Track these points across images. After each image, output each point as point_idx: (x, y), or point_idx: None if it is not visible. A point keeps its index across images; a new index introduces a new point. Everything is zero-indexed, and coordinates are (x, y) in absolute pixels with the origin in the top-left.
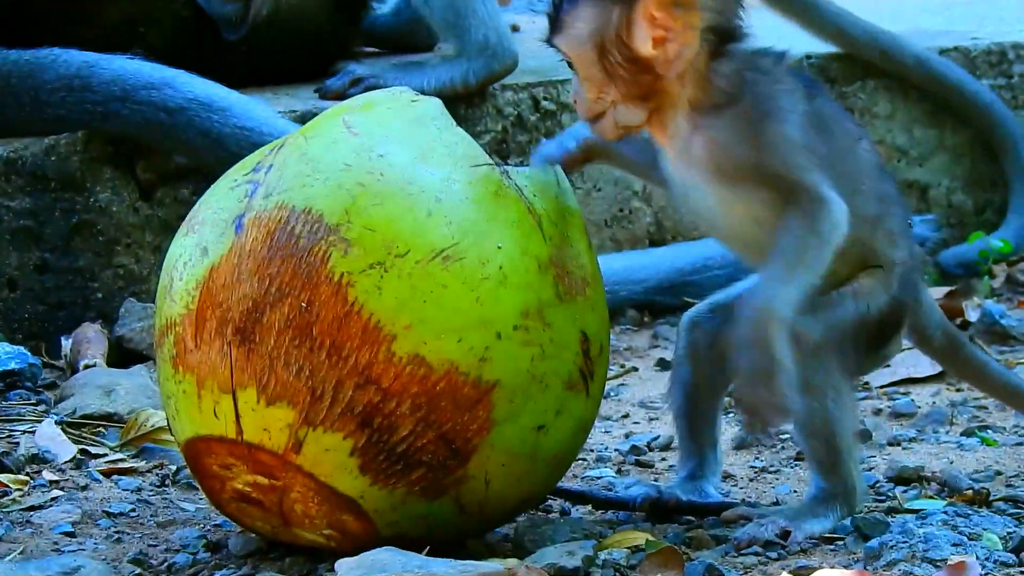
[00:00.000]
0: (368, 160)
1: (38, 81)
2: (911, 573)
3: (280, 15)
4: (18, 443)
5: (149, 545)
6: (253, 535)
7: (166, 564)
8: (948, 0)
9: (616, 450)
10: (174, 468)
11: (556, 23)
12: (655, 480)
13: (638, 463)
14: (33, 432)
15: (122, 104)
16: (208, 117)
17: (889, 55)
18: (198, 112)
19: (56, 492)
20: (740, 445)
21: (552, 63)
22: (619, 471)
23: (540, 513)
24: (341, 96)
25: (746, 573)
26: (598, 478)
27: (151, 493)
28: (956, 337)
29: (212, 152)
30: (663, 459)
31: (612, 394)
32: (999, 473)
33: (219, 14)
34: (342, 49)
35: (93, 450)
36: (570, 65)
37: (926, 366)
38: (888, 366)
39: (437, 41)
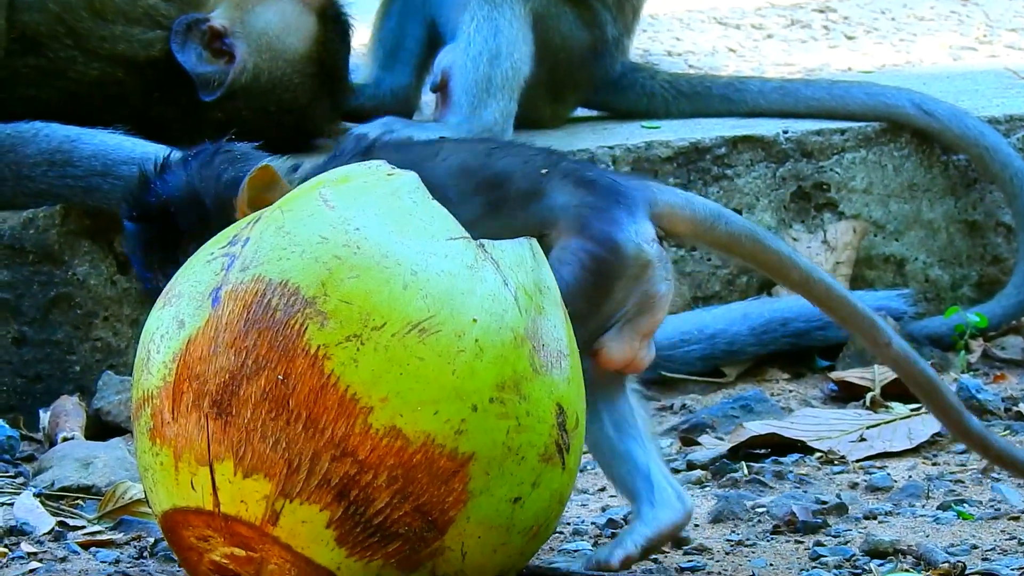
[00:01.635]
0: (344, 233)
1: (19, 155)
2: None
3: (260, 84)
4: None
5: None
6: None
7: None
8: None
9: (593, 523)
10: (152, 540)
11: None
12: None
13: (614, 536)
14: (11, 504)
15: (103, 179)
16: None
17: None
18: None
19: (34, 564)
20: (717, 518)
21: (525, 137)
22: (595, 544)
23: None
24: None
25: None
26: (575, 551)
27: (129, 565)
28: None
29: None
30: None
31: (589, 467)
32: (975, 547)
33: (197, 73)
34: (321, 126)
35: (71, 522)
36: None
37: (902, 440)
38: (864, 439)
39: (413, 113)
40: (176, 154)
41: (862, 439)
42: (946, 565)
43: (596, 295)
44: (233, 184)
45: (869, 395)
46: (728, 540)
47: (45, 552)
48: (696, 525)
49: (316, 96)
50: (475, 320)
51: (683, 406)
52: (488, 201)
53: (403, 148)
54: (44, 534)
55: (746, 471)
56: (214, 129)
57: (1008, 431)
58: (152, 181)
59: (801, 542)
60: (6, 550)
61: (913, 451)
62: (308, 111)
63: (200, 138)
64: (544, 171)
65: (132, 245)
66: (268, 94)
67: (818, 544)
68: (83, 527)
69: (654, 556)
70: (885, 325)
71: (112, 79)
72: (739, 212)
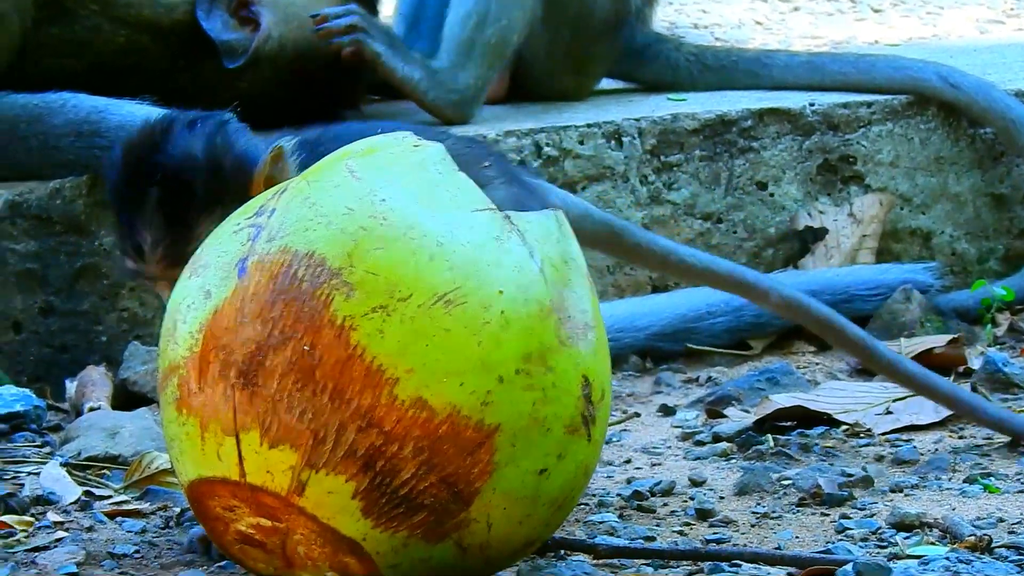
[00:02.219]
0: (370, 204)
1: (47, 125)
2: None
3: (285, 54)
4: (23, 485)
5: None
6: None
7: None
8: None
9: (618, 495)
10: (178, 510)
11: None
12: (657, 525)
13: (640, 508)
14: (38, 474)
15: None
16: None
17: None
18: None
19: (61, 533)
20: (742, 491)
21: (554, 109)
22: (621, 516)
23: (542, 557)
24: (327, 37)
25: None
26: (600, 523)
27: (155, 535)
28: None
29: None
30: (665, 504)
31: (614, 439)
32: (1001, 520)
33: (222, 40)
34: (348, 98)
35: (98, 492)
36: None
37: (929, 413)
38: (890, 412)
39: None
40: (172, 117)
41: (888, 412)
42: (972, 538)
43: None
44: (247, 156)
45: None
46: (754, 512)
47: (71, 522)
48: (721, 498)
49: (341, 67)
50: (501, 292)
51: (709, 378)
52: None
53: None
54: (70, 504)
55: (772, 443)
56: (238, 99)
57: None
58: (161, 142)
59: (827, 515)
60: (32, 519)
61: (940, 424)
62: (334, 83)
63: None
64: (487, 164)
65: (130, 207)
66: (293, 64)
67: (844, 517)
68: (109, 497)
69: (679, 528)
70: (758, 277)
71: (137, 46)
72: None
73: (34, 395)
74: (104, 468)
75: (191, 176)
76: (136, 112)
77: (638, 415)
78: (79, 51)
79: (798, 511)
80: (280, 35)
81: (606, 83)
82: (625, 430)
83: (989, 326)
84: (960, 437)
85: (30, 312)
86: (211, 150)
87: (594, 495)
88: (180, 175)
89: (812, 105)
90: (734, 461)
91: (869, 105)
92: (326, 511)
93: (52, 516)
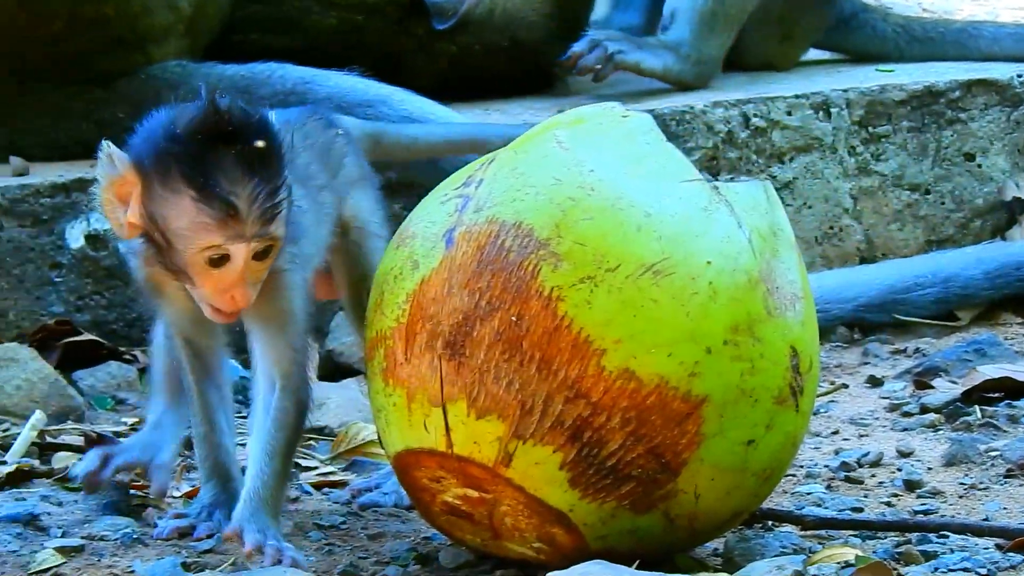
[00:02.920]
0: (579, 175)
1: (255, 96)
2: None
3: (493, 19)
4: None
5: (359, 557)
6: (463, 548)
7: None
8: None
9: (825, 466)
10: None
11: None
12: (865, 496)
13: (847, 479)
14: (243, 445)
15: None
16: None
17: None
18: None
19: None
20: (950, 462)
21: (762, 80)
22: (828, 487)
23: (749, 528)
24: (589, 72)
25: None
26: (808, 494)
27: (361, 506)
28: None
29: (424, 170)
30: (872, 475)
31: (822, 410)
32: None
33: (433, 2)
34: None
35: (304, 463)
36: None
37: None
38: None
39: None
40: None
41: None
42: None
43: None
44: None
45: None
46: (961, 484)
47: None
48: (929, 469)
49: (551, 35)
50: (709, 262)
51: (917, 350)
52: None
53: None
54: None
55: (979, 415)
56: (447, 61)
57: None
58: (222, 109)
59: None
60: None
61: None
62: (542, 50)
63: (434, 71)
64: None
65: (212, 172)
66: (502, 30)
67: None
68: (315, 468)
69: (886, 499)
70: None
71: (351, 25)
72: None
73: (241, 366)
74: (310, 439)
75: (268, 128)
76: (343, 83)
77: (846, 386)
78: (288, 28)
79: (1006, 482)
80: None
81: (812, 54)
82: (833, 401)
83: None
84: None
85: None
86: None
87: (801, 466)
88: (260, 129)
89: (1020, 76)
90: (941, 432)
91: None
92: (533, 482)
93: None
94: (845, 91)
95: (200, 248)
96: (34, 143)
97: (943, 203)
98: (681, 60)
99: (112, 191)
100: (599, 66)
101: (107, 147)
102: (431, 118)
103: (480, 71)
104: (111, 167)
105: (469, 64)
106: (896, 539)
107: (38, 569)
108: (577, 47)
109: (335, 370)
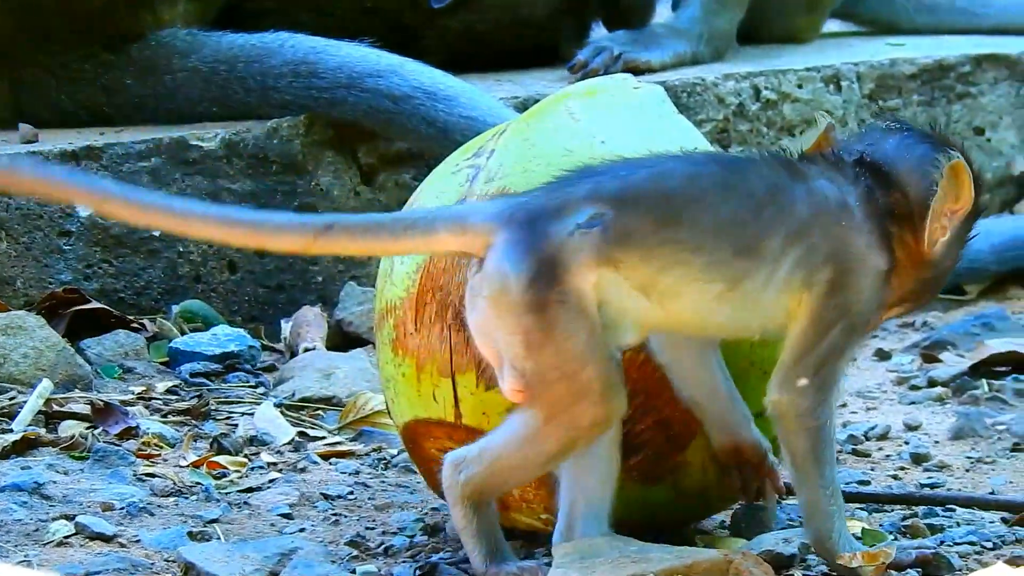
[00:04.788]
0: (590, 147)
1: (265, 66)
2: None
3: None
4: (237, 425)
5: (366, 528)
6: None
7: (383, 547)
8: None
9: None
10: (392, 451)
11: None
12: (872, 469)
13: (855, 452)
14: (252, 414)
15: (348, 91)
16: (433, 106)
17: None
18: (423, 101)
19: (274, 474)
20: (957, 435)
21: (773, 52)
22: (836, 460)
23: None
24: (599, 74)
25: (964, 560)
26: None
27: (369, 476)
28: None
29: (436, 141)
30: (879, 448)
31: None
32: None
33: None
34: (562, 44)
35: (311, 433)
36: None
37: None
38: None
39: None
40: None
41: None
42: None
43: None
44: None
45: None
46: (968, 457)
47: (285, 462)
48: (936, 442)
49: (556, 13)
50: None
51: (924, 323)
52: None
53: None
54: (284, 444)
55: (987, 388)
56: (453, 37)
57: None
58: None
59: None
60: (246, 460)
61: None
62: (547, 26)
63: (443, 46)
64: None
65: None
66: (504, 8)
67: None
68: (323, 438)
69: (893, 472)
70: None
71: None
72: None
73: (249, 335)
74: (318, 409)
75: None
76: (354, 53)
77: (853, 359)
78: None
79: (1012, 456)
80: None
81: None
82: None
83: None
84: None
85: (246, 252)
86: None
87: None
88: None
89: None
90: (949, 406)
91: None
92: None
93: (265, 457)
94: (856, 64)
95: None
96: (39, 105)
97: None
98: (693, 41)
99: None
100: (607, 68)
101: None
102: (443, 89)
103: (487, 47)
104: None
105: (475, 40)
106: (902, 512)
107: (50, 540)
108: (583, 55)
109: (344, 339)
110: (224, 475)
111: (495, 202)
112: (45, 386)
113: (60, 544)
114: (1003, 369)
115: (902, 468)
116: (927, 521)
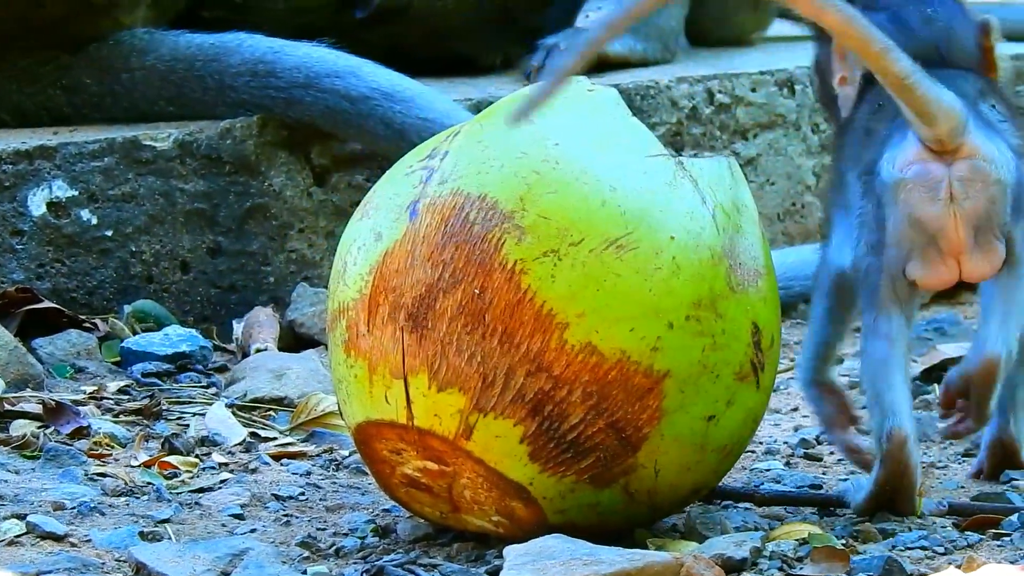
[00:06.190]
0: (544, 148)
1: (223, 65)
2: None
3: (411, 10)
4: (188, 425)
5: (318, 529)
6: (422, 521)
7: (334, 548)
8: None
9: (785, 443)
10: (344, 453)
11: None
12: (823, 473)
13: (807, 456)
14: (203, 415)
15: (305, 91)
16: (390, 107)
17: None
18: (381, 102)
19: (225, 475)
20: None
21: (726, 55)
22: (788, 464)
23: (709, 504)
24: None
25: (915, 565)
26: (767, 470)
27: (320, 477)
28: None
29: (393, 142)
30: (831, 452)
31: (782, 387)
32: None
33: None
34: (486, 55)
35: (263, 433)
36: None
37: None
38: None
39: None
40: None
41: None
42: None
43: None
44: None
45: None
46: (920, 462)
47: (236, 463)
48: None
49: (472, 24)
50: (673, 237)
51: None
52: None
53: None
54: (235, 445)
55: (938, 393)
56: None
57: None
58: None
59: None
60: (197, 460)
61: None
62: (468, 39)
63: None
64: None
65: None
66: (425, 20)
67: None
68: (275, 439)
69: (844, 476)
70: None
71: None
72: None
73: (201, 335)
74: (270, 410)
75: None
76: (312, 54)
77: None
78: (244, 9)
79: (965, 461)
80: None
81: (776, 28)
82: (793, 378)
83: None
84: None
85: (198, 252)
86: None
87: (761, 443)
88: None
89: None
90: None
91: None
92: (493, 455)
93: (217, 457)
94: (809, 68)
95: None
96: (1, 109)
97: None
98: (642, 39)
99: None
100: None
101: None
102: (400, 91)
103: (417, 57)
104: None
105: (405, 51)
106: (853, 516)
107: (1, 539)
108: (534, 59)
109: (296, 340)
110: (175, 475)
111: None
112: None
113: (11, 543)
114: None
115: (853, 472)
116: (878, 526)
